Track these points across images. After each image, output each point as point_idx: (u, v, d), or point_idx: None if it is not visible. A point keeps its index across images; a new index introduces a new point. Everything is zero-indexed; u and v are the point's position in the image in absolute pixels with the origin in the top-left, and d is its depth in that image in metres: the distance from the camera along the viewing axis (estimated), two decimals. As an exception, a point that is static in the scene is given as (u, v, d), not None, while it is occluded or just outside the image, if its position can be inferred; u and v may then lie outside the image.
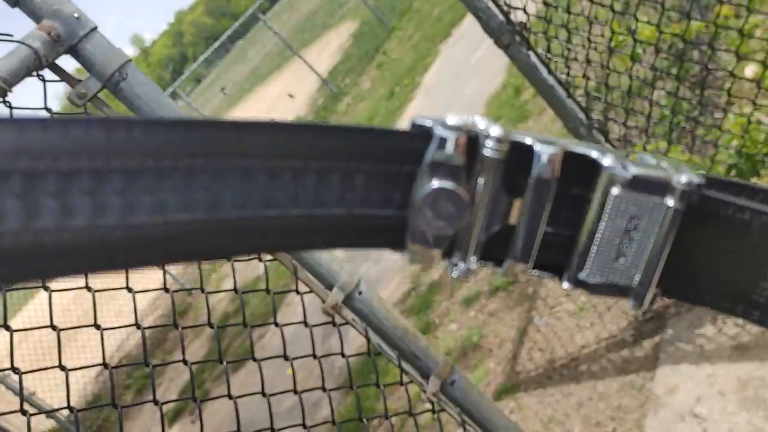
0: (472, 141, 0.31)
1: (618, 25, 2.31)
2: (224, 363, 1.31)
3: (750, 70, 2.81)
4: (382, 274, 5.18)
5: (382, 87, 10.96)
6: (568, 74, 2.37)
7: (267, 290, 1.41)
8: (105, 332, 1.24)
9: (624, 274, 0.33)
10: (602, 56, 2.45)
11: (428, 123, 0.31)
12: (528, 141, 0.31)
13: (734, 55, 1.90)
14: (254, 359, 1.35)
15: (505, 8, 2.19)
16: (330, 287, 1.51)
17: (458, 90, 7.55)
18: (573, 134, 2.47)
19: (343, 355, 1.50)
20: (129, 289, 1.29)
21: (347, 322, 1.54)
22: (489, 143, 0.31)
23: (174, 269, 8.75)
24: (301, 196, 0.29)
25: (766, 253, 0.32)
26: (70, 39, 1.31)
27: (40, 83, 1.39)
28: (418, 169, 0.30)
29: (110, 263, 0.25)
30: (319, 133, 0.29)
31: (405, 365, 1.59)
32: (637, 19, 2.00)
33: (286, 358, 1.40)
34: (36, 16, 1.32)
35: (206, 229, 0.27)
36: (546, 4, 2.38)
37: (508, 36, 2.20)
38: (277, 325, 1.36)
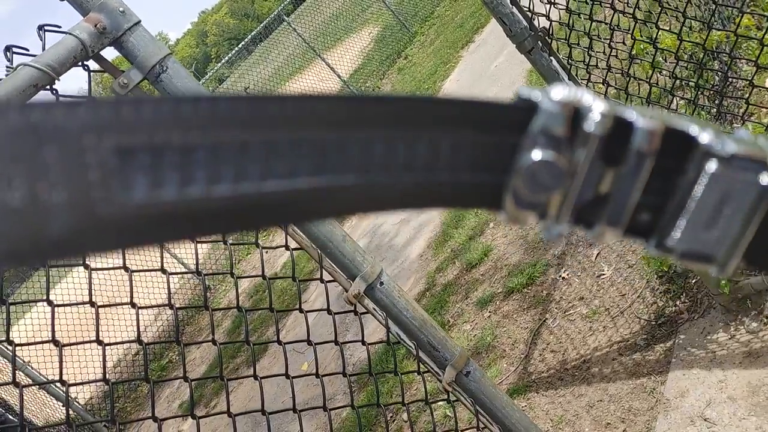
0: (576, 114, 0.33)
1: (639, 34, 2.35)
2: (251, 345, 1.37)
3: (770, 81, 2.84)
4: (398, 274, 5.23)
5: (402, 90, 11.02)
6: (588, 80, 2.41)
7: (293, 278, 1.46)
8: (127, 319, 1.31)
9: (710, 244, 0.34)
10: (623, 63, 2.50)
11: (535, 96, 0.33)
12: (629, 116, 0.33)
13: (754, 66, 1.94)
14: (279, 342, 1.41)
15: (529, 14, 2.24)
16: (353, 277, 1.57)
17: (478, 95, 7.58)
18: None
19: (363, 343, 1.55)
20: (163, 271, 1.36)
21: (368, 312, 1.59)
22: (593, 117, 0.32)
23: (192, 262, 8.86)
24: (413, 163, 0.32)
25: None
26: (115, 31, 1.38)
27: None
28: (521, 138, 0.33)
29: (250, 224, 0.30)
30: (429, 104, 0.32)
31: (422, 355, 1.65)
32: (659, 28, 2.04)
33: (309, 342, 1.46)
34: (83, 9, 1.39)
35: (332, 192, 0.30)
36: (569, 10, 2.43)
37: (531, 41, 2.25)
38: (301, 311, 1.42)
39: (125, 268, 1.32)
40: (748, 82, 1.95)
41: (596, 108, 0.33)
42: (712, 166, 0.33)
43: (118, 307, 1.47)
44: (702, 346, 2.60)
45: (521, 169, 0.33)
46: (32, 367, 5.46)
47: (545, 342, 3.34)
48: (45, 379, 5.28)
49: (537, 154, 0.33)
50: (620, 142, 0.33)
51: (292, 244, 1.57)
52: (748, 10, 2.02)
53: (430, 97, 0.32)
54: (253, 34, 13.64)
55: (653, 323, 2.89)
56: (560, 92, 0.33)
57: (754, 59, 2.00)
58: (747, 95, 2.07)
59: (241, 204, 0.28)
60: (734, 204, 0.33)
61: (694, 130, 0.33)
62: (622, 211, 0.35)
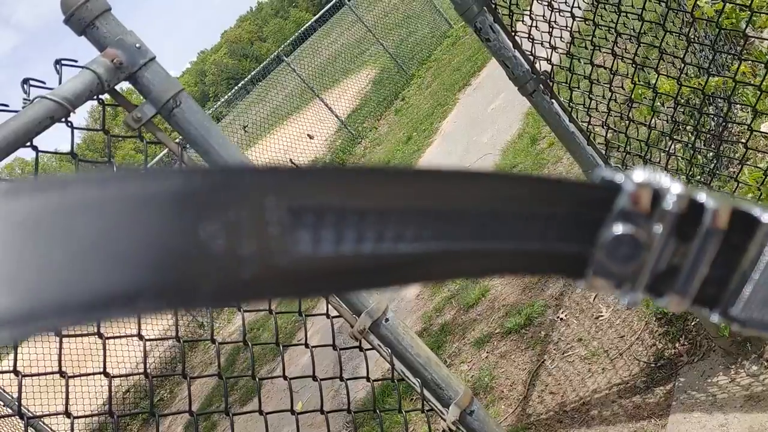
0: (655, 194, 0.37)
1: (638, 78, 2.40)
2: (256, 378, 1.37)
3: (766, 126, 2.89)
4: (395, 313, 5.21)
5: (399, 131, 11.13)
6: (588, 122, 2.45)
7: (299, 313, 1.47)
8: (121, 355, 1.30)
9: None
10: (622, 107, 2.54)
11: (618, 178, 0.38)
12: (702, 198, 0.38)
13: (751, 111, 1.98)
14: (285, 377, 1.40)
15: (531, 58, 2.29)
16: (358, 313, 1.58)
17: (475, 137, 7.68)
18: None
19: (368, 379, 1.55)
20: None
21: (373, 348, 1.59)
22: (671, 198, 0.37)
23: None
24: (514, 233, 0.36)
25: None
26: (131, 67, 1.41)
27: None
28: (605, 215, 0.37)
29: (385, 281, 0.34)
30: (530, 183, 0.37)
31: (425, 393, 1.64)
32: (658, 73, 2.09)
33: (314, 378, 1.45)
34: (100, 44, 1.42)
35: (450, 257, 0.35)
36: (569, 55, 2.48)
37: (533, 84, 2.29)
38: (307, 346, 1.42)
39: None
40: (746, 126, 1.99)
41: (674, 189, 0.37)
42: None
43: (115, 340, 1.47)
44: (702, 389, 2.60)
45: (605, 242, 0.37)
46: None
47: (544, 383, 3.32)
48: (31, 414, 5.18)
49: (619, 229, 0.37)
50: (693, 221, 0.38)
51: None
52: (744, 58, 2.07)
53: (528, 176, 0.37)
54: (252, 74, 13.81)
55: (653, 365, 2.88)
56: (641, 175, 0.38)
57: (749, 105, 2.05)
58: (744, 140, 2.11)
59: (378, 263, 0.32)
60: None
61: (757, 211, 0.38)
62: (691, 284, 0.39)
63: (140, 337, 1.31)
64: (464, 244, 0.35)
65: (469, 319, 4.37)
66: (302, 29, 14.31)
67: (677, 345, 2.87)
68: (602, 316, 3.44)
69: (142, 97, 1.46)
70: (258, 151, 12.80)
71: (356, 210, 0.31)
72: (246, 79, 13.76)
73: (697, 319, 2.82)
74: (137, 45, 1.42)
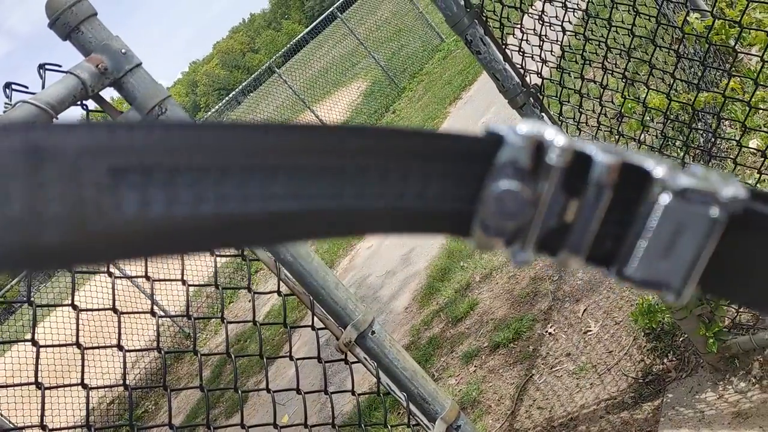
0: (539, 147, 0.35)
1: (628, 93, 2.41)
2: (239, 391, 1.34)
3: (754, 142, 2.90)
4: (383, 325, 5.18)
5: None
6: (578, 137, 2.45)
7: (284, 324, 1.44)
8: (102, 366, 1.27)
9: (666, 273, 0.36)
10: (612, 121, 2.54)
11: (501, 130, 0.35)
12: (589, 150, 0.35)
13: (740, 127, 1.98)
14: (268, 390, 1.38)
15: (521, 71, 2.29)
16: (344, 325, 1.55)
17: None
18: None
19: (353, 393, 1.52)
20: (153, 314, 1.33)
21: (359, 361, 1.57)
22: (554, 152, 0.35)
23: (172, 310, 8.73)
24: (385, 191, 0.34)
25: None
26: (116, 72, 1.39)
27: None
28: (488, 169, 0.35)
29: (229, 242, 0.32)
30: (403, 136, 0.34)
31: (412, 407, 1.62)
32: (648, 87, 2.09)
33: (298, 391, 1.43)
34: (85, 49, 1.40)
35: (307, 216, 0.32)
36: (560, 68, 2.48)
37: (523, 97, 2.29)
38: (291, 358, 1.40)
39: (114, 309, 1.29)
40: (735, 142, 1.99)
41: (558, 142, 0.35)
42: (665, 198, 0.35)
43: (94, 352, 1.44)
44: (690, 405, 2.58)
45: (488, 198, 0.35)
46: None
47: (531, 398, 3.30)
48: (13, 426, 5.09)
49: (502, 185, 0.35)
50: (581, 175, 0.36)
51: (284, 290, 1.55)
52: (734, 74, 2.07)
53: (402, 129, 0.35)
54: (243, 84, 13.80)
55: (641, 381, 2.87)
56: (525, 127, 0.36)
57: (737, 120, 2.05)
58: (733, 155, 2.11)
59: (223, 223, 0.30)
60: (687, 235, 0.36)
61: (649, 164, 0.36)
62: (583, 240, 0.37)
63: (120, 347, 1.29)
64: (324, 203, 0.32)
65: (457, 333, 4.34)
66: (294, 41, 14.32)
67: (665, 361, 2.86)
68: (591, 330, 3.43)
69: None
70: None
71: (192, 168, 0.29)
72: (237, 89, 13.75)
73: (686, 335, 2.81)
74: (123, 50, 1.40)
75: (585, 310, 3.60)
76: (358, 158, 0.33)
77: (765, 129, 2.08)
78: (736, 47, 2.13)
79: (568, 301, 3.77)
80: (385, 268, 6.32)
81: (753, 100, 1.88)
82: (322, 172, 0.32)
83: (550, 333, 3.66)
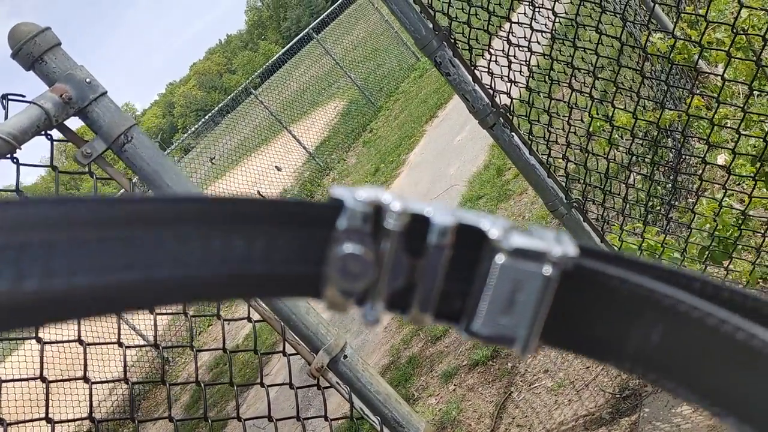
0: (378, 211, 0.37)
1: (596, 112, 2.44)
2: (209, 420, 1.33)
3: (722, 158, 2.95)
4: (363, 346, 5.16)
5: (367, 163, 11.17)
6: (549, 155, 2.48)
7: (255, 351, 1.43)
8: (80, 394, 1.26)
9: (510, 329, 0.38)
10: (581, 140, 2.57)
11: (341, 195, 0.37)
12: (425, 213, 0.37)
13: (705, 144, 2.02)
14: (239, 419, 1.36)
15: (491, 91, 2.31)
16: (316, 350, 1.54)
17: (441, 168, 7.72)
18: (553, 213, 2.56)
19: (326, 419, 1.51)
20: (120, 344, 1.32)
21: (331, 386, 1.56)
22: (390, 216, 0.36)
23: (151, 334, 8.62)
24: (229, 256, 0.35)
25: (631, 314, 0.37)
26: (81, 101, 1.38)
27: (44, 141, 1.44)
28: (331, 233, 0.36)
29: (57, 317, 0.32)
30: (246, 204, 0.36)
31: (386, 431, 1.61)
32: (614, 107, 2.12)
33: (270, 419, 1.41)
34: (49, 79, 1.39)
35: (144, 287, 0.33)
36: (528, 89, 2.51)
37: (493, 117, 2.31)
38: (263, 385, 1.38)
39: (80, 341, 1.28)
40: (700, 159, 2.02)
41: (393, 207, 0.36)
42: (501, 257, 0.37)
43: (69, 381, 1.42)
44: (666, 419, 2.60)
45: (333, 261, 0.36)
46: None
47: (511, 416, 3.30)
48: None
49: (346, 248, 0.36)
50: (421, 236, 0.37)
51: (255, 316, 1.54)
52: (698, 92, 2.11)
53: (245, 198, 0.36)
54: (220, 105, 13.78)
55: (618, 396, 2.88)
56: (363, 193, 0.37)
57: (704, 137, 2.09)
58: (700, 171, 2.14)
59: (50, 298, 0.30)
60: (525, 292, 0.37)
61: (485, 225, 0.37)
62: (429, 298, 0.38)
63: (86, 380, 1.27)
64: (162, 272, 0.33)
65: (436, 352, 4.34)
66: (270, 61, 14.34)
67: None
68: (568, 347, 3.44)
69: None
70: (225, 183, 12.72)
71: (14, 246, 0.29)
72: (214, 110, 13.73)
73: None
74: (87, 80, 1.40)
75: (562, 326, 3.62)
76: (199, 226, 0.34)
77: (729, 146, 2.11)
78: (703, 66, 2.17)
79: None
80: (364, 288, 6.29)
81: (716, 117, 1.91)
82: (158, 241, 0.33)
83: (528, 350, 3.67)
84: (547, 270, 0.36)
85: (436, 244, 0.37)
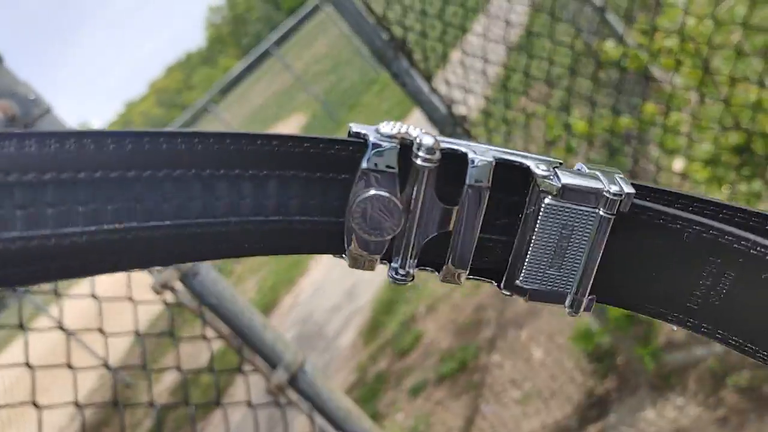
0: (407, 149, 0.31)
1: (554, 120, 2.46)
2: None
3: (678, 164, 2.99)
4: (329, 364, 5.11)
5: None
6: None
7: (212, 369, 1.39)
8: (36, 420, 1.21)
9: (559, 281, 0.33)
10: (540, 148, 2.59)
11: (364, 131, 0.32)
12: (462, 149, 0.32)
13: (660, 149, 2.05)
14: (196, 441, 1.32)
15: (449, 102, 2.31)
16: (274, 365, 1.51)
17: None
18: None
19: (287, 438, 1.48)
20: (70, 366, 1.27)
21: (291, 403, 1.53)
22: (421, 152, 0.31)
23: (114, 361, 8.43)
24: (238, 204, 0.29)
25: (698, 261, 0.32)
26: (26, 118, 1.34)
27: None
28: (353, 176, 0.31)
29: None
30: (254, 141, 0.29)
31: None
32: (568, 115, 2.14)
33: (228, 439, 1.37)
34: (-9, 95, 1.35)
35: (142, 237, 0.27)
36: (486, 99, 2.52)
37: (451, 128, 2.31)
38: (218, 403, 1.35)
39: (28, 365, 1.23)
40: (655, 166, 2.05)
41: (425, 141, 0.31)
42: (548, 199, 0.32)
43: (25, 407, 1.36)
44: (632, 424, 2.61)
45: (355, 208, 0.31)
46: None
47: (479, 429, 3.29)
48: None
49: (370, 191, 0.31)
50: (456, 179, 0.32)
51: (212, 334, 1.51)
52: (652, 99, 2.14)
53: (253, 133, 0.30)
54: (180, 124, 13.65)
55: (584, 404, 2.89)
56: (387, 127, 0.32)
57: (661, 144, 2.12)
58: (659, 178, 2.17)
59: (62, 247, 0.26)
60: (574, 237, 0.32)
61: (528, 162, 0.33)
62: (466, 252, 0.33)
63: (35, 405, 1.22)
64: (161, 223, 0.27)
65: (404, 366, 4.31)
66: (229, 77, 14.28)
67: (607, 382, 2.89)
68: (534, 356, 3.45)
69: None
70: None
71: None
72: (174, 128, 13.60)
73: (625, 355, 2.85)
74: (32, 97, 1.36)
75: (528, 335, 3.62)
76: (204, 169, 0.28)
77: (684, 152, 2.15)
78: (657, 73, 2.21)
79: (511, 328, 3.79)
80: (330, 303, 6.26)
81: (668, 123, 1.94)
82: (157, 185, 0.27)
83: (495, 361, 3.67)
84: (601, 210, 0.32)
85: (474, 185, 0.31)
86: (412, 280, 0.34)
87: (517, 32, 2.81)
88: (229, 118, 13.36)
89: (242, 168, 0.29)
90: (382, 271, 0.35)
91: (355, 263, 0.33)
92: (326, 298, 6.48)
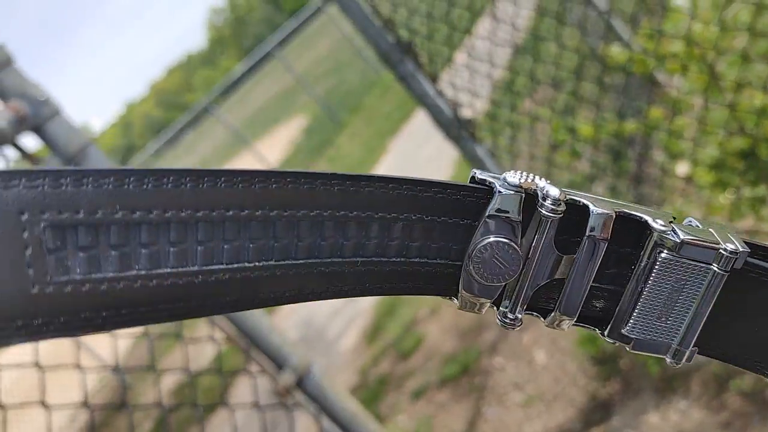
0: (530, 198, 0.33)
1: (560, 124, 2.46)
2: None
3: (682, 168, 3.00)
4: (331, 367, 5.11)
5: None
6: (514, 166, 2.49)
7: (217, 371, 1.39)
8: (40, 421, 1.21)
9: (665, 333, 0.34)
10: (546, 151, 2.59)
11: (490, 179, 0.33)
12: (584, 201, 0.33)
13: (666, 154, 2.05)
14: (204, 442, 1.32)
15: (454, 105, 2.32)
16: (282, 368, 1.51)
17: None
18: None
19: (294, 439, 1.48)
20: (78, 366, 1.28)
21: (298, 405, 1.53)
22: (547, 203, 0.32)
23: (110, 359, 8.41)
24: (364, 245, 0.30)
25: None
26: (36, 119, 1.34)
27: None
28: (476, 222, 0.32)
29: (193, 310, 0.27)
30: (384, 185, 0.31)
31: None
32: (574, 118, 2.14)
33: (236, 441, 1.38)
34: (3, 95, 1.36)
35: (278, 275, 0.28)
36: (492, 102, 2.53)
37: (456, 130, 2.32)
38: (225, 404, 1.35)
39: (38, 365, 1.23)
40: (659, 169, 2.05)
41: (552, 193, 0.32)
42: (664, 253, 0.33)
43: (24, 409, 1.36)
44: (636, 428, 2.61)
45: (476, 253, 0.32)
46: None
47: None
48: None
49: (492, 237, 0.32)
50: (575, 229, 0.33)
51: (220, 336, 1.51)
52: (657, 103, 2.15)
53: (384, 176, 0.31)
54: (182, 125, 13.65)
55: (587, 407, 2.89)
56: (514, 176, 0.33)
57: (666, 148, 2.12)
58: (663, 181, 2.17)
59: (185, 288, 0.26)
60: (687, 290, 0.33)
61: (646, 217, 0.33)
62: (576, 300, 0.34)
63: (43, 404, 1.22)
64: (294, 261, 0.28)
65: (406, 369, 4.31)
66: (230, 77, 14.27)
67: (610, 385, 2.89)
68: (537, 359, 3.45)
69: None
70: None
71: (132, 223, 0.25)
72: (175, 130, 13.60)
73: (629, 359, 2.85)
74: (42, 97, 1.37)
75: (530, 338, 3.63)
76: (337, 210, 0.29)
77: (689, 156, 2.15)
78: (661, 77, 2.21)
79: (513, 331, 3.79)
80: (331, 306, 6.25)
81: (673, 127, 1.94)
82: (294, 225, 0.28)
83: (497, 364, 3.67)
84: (716, 266, 0.32)
85: (593, 236, 0.32)
86: (521, 325, 0.35)
87: (521, 35, 2.82)
88: (231, 118, 13.36)
89: (372, 210, 0.30)
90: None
91: (466, 306, 0.34)
92: (327, 300, 6.47)
